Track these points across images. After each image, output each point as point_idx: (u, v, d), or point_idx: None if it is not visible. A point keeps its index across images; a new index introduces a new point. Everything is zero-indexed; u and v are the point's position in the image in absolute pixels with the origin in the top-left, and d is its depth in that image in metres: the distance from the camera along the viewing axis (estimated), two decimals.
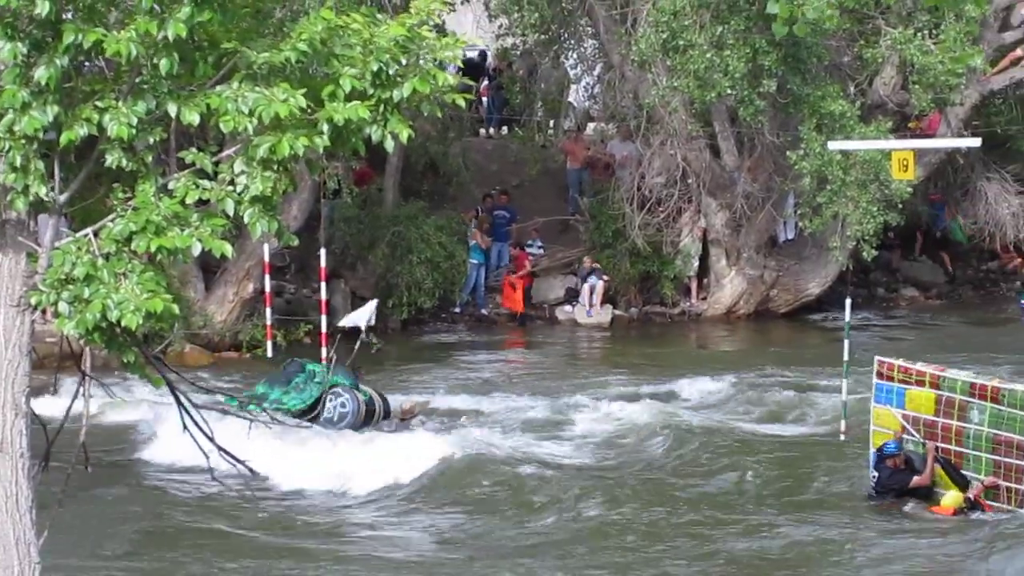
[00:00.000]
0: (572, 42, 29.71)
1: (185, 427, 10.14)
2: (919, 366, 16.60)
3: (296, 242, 9.38)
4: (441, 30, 16.21)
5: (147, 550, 15.34)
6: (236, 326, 25.19)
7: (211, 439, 10.29)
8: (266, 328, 22.49)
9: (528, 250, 29.06)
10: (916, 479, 16.39)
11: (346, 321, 20.72)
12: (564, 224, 29.99)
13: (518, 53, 30.82)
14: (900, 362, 16.71)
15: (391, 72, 8.14)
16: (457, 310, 28.20)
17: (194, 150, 8.22)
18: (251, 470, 13.34)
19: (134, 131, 7.95)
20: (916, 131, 27.91)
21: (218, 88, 8.05)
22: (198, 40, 8.11)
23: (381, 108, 8.16)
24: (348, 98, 8.09)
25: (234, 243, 8.38)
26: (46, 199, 8.18)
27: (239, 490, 16.46)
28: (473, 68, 30.47)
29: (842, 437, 17.93)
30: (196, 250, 8.07)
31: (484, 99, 32.92)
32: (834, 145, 22.68)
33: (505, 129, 32.88)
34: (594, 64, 30.35)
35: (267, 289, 22.53)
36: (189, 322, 24.05)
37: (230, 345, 25.14)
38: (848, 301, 18.44)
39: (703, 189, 28.00)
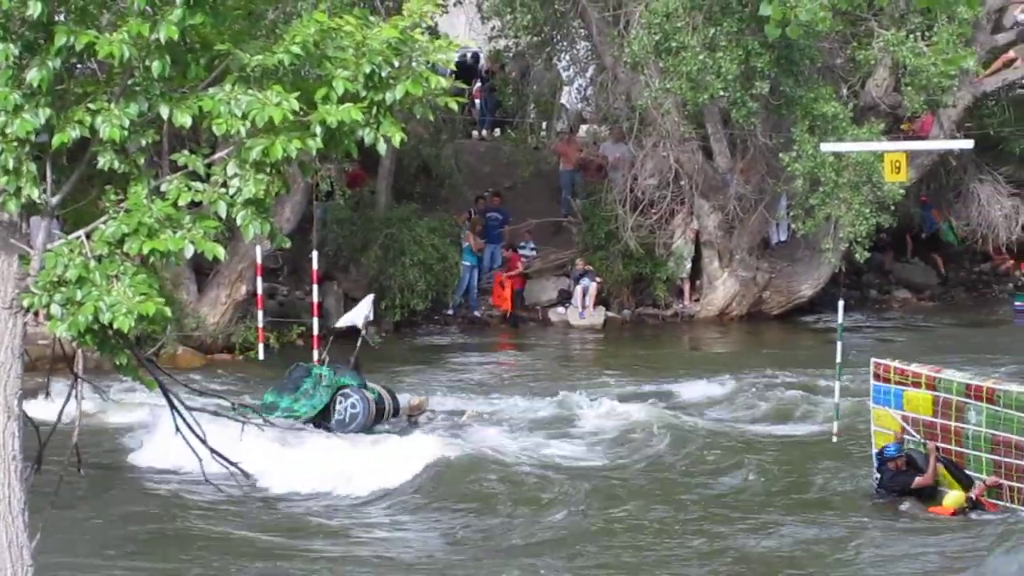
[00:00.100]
0: (565, 44, 29.70)
1: (178, 429, 10.10)
2: (914, 367, 16.62)
3: (289, 244, 9.35)
4: (434, 32, 16.27)
5: (147, 552, 15.28)
6: (228, 328, 25.15)
7: (203, 442, 10.25)
8: (258, 330, 22.49)
9: (521, 252, 29.04)
10: (919, 479, 16.41)
11: (342, 322, 20.68)
12: (557, 226, 29.99)
13: (511, 55, 30.83)
14: (896, 364, 16.72)
15: (384, 74, 8.14)
16: (450, 312, 28.20)
17: (186, 152, 8.21)
18: (244, 472, 13.27)
19: (126, 133, 7.95)
20: (909, 133, 27.96)
21: (211, 90, 8.06)
22: (190, 42, 8.10)
23: (374, 110, 8.16)
24: (341, 100, 8.09)
25: (226, 245, 8.37)
26: (38, 201, 8.17)
27: (239, 492, 16.37)
28: (466, 70, 30.44)
29: (834, 439, 17.98)
30: (188, 252, 8.06)
31: (477, 101, 32.90)
32: (827, 147, 22.71)
33: (498, 131, 32.83)
34: (587, 66, 30.35)
35: (259, 291, 22.53)
36: (182, 324, 24.01)
37: (222, 347, 25.11)
38: (841, 303, 18.38)
39: (696, 191, 28.03)
